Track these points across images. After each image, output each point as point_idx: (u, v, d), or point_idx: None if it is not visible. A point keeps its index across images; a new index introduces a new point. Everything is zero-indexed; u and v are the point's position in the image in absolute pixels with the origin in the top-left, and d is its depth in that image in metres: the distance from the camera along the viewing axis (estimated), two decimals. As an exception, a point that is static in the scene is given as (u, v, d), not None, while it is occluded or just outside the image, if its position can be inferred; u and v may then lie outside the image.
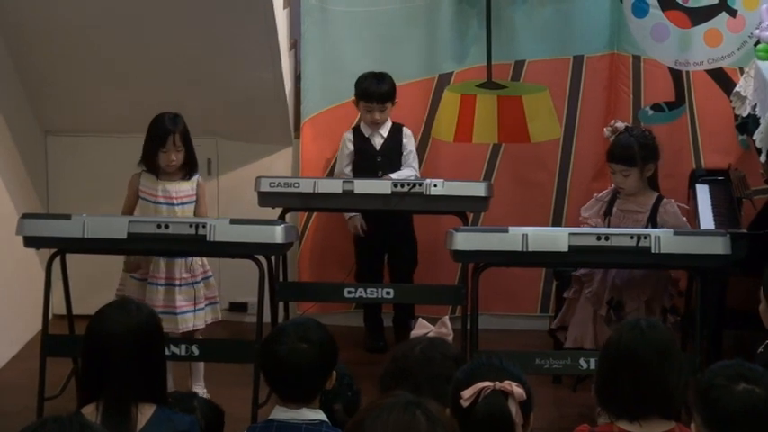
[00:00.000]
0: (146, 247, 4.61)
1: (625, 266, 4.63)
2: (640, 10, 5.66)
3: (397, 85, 5.57)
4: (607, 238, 4.33)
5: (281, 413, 3.02)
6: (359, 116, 5.66)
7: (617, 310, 4.72)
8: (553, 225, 5.77)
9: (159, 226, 4.46)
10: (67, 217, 4.51)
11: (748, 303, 3.69)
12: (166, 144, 4.82)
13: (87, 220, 4.47)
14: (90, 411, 2.91)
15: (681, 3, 5.64)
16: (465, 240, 4.40)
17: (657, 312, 4.74)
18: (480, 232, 4.68)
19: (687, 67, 5.70)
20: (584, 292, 4.82)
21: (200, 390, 4.89)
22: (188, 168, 4.94)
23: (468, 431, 2.51)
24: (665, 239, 4.30)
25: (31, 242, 4.57)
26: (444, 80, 5.82)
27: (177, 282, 4.85)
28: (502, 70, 5.79)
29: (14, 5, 5.28)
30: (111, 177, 5.32)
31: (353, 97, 5.58)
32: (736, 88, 5.26)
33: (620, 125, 4.94)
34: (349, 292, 5.17)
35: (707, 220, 4.96)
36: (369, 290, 5.17)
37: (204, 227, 4.45)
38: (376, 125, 5.57)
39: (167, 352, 4.16)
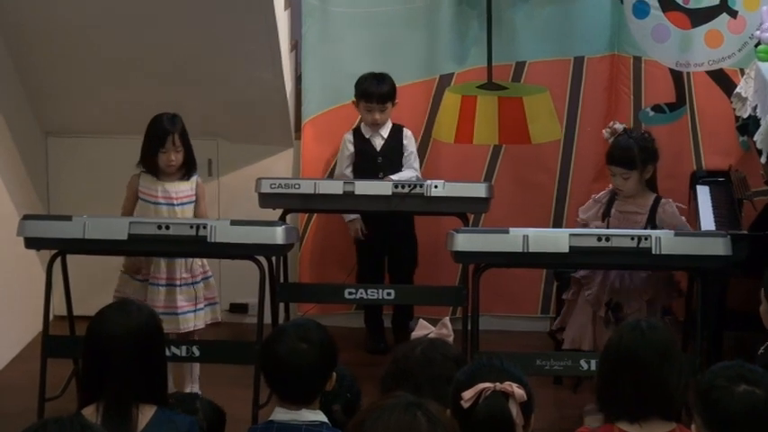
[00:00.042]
0: (146, 249, 4.60)
1: (626, 268, 4.63)
2: (641, 11, 5.66)
3: (397, 86, 5.57)
4: (608, 239, 4.33)
5: (281, 414, 3.02)
6: (359, 117, 5.66)
7: (615, 311, 4.72)
8: (554, 226, 5.77)
9: (160, 227, 4.46)
10: (68, 218, 4.51)
11: (749, 304, 3.69)
12: (165, 144, 4.82)
13: (88, 222, 4.47)
14: (90, 412, 2.91)
15: (681, 4, 5.64)
16: (466, 241, 4.40)
17: (659, 313, 4.74)
18: (481, 233, 4.67)
19: (688, 68, 5.70)
20: (582, 294, 4.81)
21: (195, 391, 4.89)
22: (187, 168, 4.94)
23: (469, 432, 2.51)
24: (665, 240, 4.30)
25: (31, 243, 4.57)
26: (445, 81, 5.82)
27: (177, 282, 4.85)
28: (502, 71, 5.79)
29: (14, 5, 5.28)
30: (112, 178, 5.31)
31: (354, 98, 5.58)
32: (737, 89, 5.26)
33: (619, 127, 4.93)
34: (349, 294, 5.16)
35: (707, 221, 4.96)
36: (369, 291, 5.16)
37: (205, 228, 4.45)
38: (376, 126, 5.57)
39: (168, 353, 4.16)
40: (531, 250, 4.32)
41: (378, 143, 5.61)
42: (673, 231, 4.40)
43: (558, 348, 5.02)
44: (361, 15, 5.77)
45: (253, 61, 5.52)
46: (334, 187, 5.17)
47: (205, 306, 4.94)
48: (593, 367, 4.22)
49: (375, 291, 5.17)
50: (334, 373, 3.09)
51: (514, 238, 4.33)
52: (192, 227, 4.47)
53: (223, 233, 4.45)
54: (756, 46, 5.23)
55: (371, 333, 5.84)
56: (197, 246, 4.50)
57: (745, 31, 5.59)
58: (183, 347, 4.59)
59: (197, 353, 4.62)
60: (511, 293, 5.84)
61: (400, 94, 5.60)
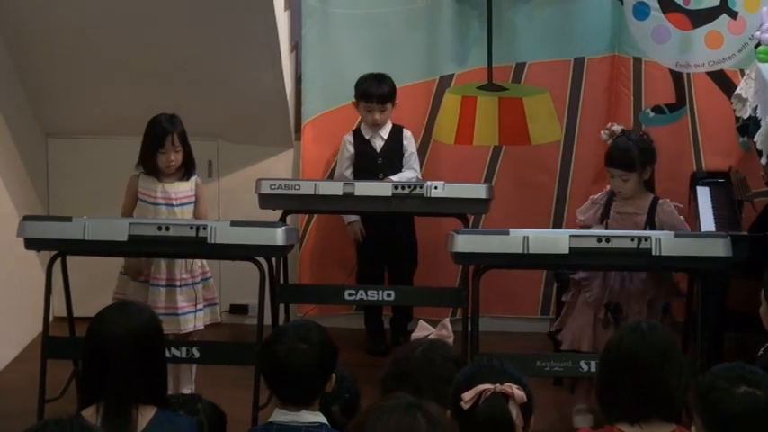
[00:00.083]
0: (146, 250, 4.60)
1: (626, 269, 4.62)
2: (641, 12, 5.66)
3: (397, 87, 5.57)
4: (608, 241, 4.33)
5: (280, 416, 3.01)
6: (359, 118, 5.66)
7: (615, 313, 4.71)
8: (554, 227, 5.77)
9: (160, 228, 4.46)
10: (68, 219, 4.51)
11: (749, 305, 3.69)
12: (165, 145, 4.82)
13: (88, 223, 4.47)
14: (90, 413, 2.91)
15: (682, 5, 5.64)
16: (466, 242, 4.40)
17: (659, 314, 4.73)
18: (481, 234, 4.66)
19: (688, 69, 5.70)
20: (582, 296, 4.81)
21: (189, 392, 4.89)
22: (186, 169, 4.94)
23: (469, 433, 2.51)
24: (665, 242, 4.30)
25: (31, 244, 4.57)
26: (445, 82, 5.82)
27: (178, 282, 4.85)
28: (503, 72, 5.79)
29: (14, 5, 5.28)
30: (112, 179, 5.31)
31: (354, 99, 5.58)
32: (737, 90, 5.26)
33: (617, 128, 4.92)
34: (350, 295, 5.16)
35: (707, 222, 4.96)
36: (369, 292, 5.16)
37: (205, 229, 4.44)
38: (376, 126, 5.57)
39: (168, 354, 4.15)
40: (531, 251, 4.32)
41: (378, 144, 5.61)
42: (673, 233, 4.40)
43: (557, 349, 5.02)
44: (362, 16, 5.77)
45: (253, 62, 5.52)
46: (334, 188, 5.17)
47: (205, 307, 4.94)
48: (593, 368, 4.22)
49: (375, 292, 5.17)
50: (334, 375, 3.09)
51: (514, 240, 4.33)
52: (192, 228, 4.46)
53: (223, 234, 4.45)
54: (756, 47, 5.22)
55: (371, 334, 5.83)
56: (197, 247, 4.50)
57: (746, 32, 5.59)
58: (183, 348, 4.59)
59: (197, 354, 4.62)
60: (511, 294, 5.84)
61: (400, 95, 5.60)
